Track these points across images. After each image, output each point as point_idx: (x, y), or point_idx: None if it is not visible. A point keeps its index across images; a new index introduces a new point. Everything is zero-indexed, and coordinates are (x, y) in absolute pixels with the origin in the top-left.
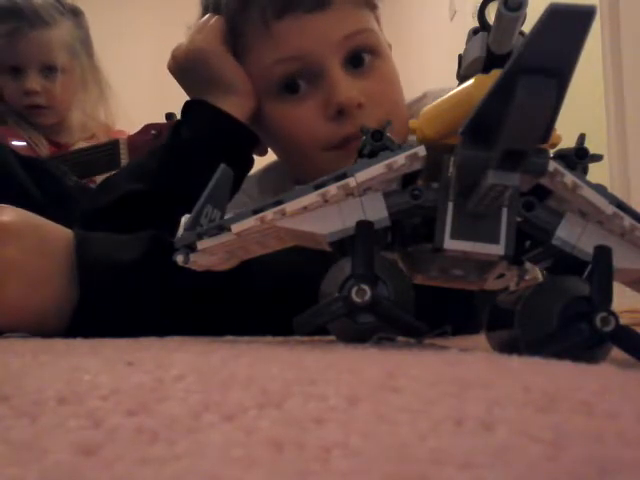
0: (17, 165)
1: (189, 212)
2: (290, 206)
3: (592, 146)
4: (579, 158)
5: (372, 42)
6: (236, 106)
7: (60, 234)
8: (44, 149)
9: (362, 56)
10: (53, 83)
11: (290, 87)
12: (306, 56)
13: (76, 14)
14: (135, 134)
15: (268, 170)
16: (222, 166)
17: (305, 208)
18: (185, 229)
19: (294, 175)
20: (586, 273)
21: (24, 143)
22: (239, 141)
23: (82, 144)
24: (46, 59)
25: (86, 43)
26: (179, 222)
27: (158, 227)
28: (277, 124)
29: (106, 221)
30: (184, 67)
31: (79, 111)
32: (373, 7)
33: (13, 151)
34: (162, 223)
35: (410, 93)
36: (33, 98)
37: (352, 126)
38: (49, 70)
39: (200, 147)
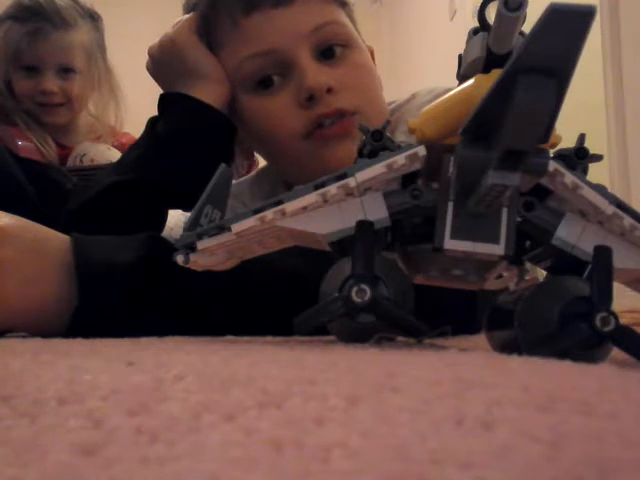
0: (15, 166)
1: (171, 203)
2: (290, 206)
3: (592, 146)
4: (579, 158)
5: (342, 34)
6: (210, 93)
7: (56, 237)
8: (51, 151)
9: (333, 48)
10: (69, 83)
11: (264, 82)
12: (276, 50)
13: (94, 18)
14: None
15: (260, 175)
16: (222, 166)
17: (305, 208)
18: (185, 229)
19: (278, 170)
20: (586, 273)
21: (31, 144)
22: (216, 128)
23: (87, 145)
24: (64, 61)
25: (102, 46)
26: (163, 214)
27: (142, 218)
28: (254, 118)
29: (89, 215)
30: (158, 61)
31: (88, 113)
32: (342, 4)
33: (11, 152)
34: (145, 213)
35: (410, 93)
36: (50, 97)
37: (324, 107)
38: (65, 71)
39: (176, 136)
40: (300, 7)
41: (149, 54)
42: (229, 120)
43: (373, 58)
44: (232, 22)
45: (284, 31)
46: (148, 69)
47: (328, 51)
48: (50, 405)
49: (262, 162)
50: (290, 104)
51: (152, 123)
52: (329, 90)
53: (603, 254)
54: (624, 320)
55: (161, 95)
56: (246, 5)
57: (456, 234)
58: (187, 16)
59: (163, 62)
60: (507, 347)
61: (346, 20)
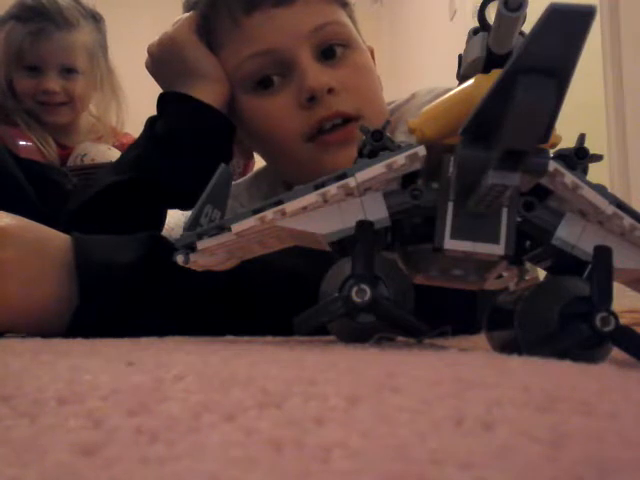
0: (15, 166)
1: (170, 203)
2: (290, 206)
3: (592, 146)
4: (579, 158)
5: (342, 34)
6: (209, 92)
7: (57, 237)
8: (52, 151)
9: (333, 48)
10: (72, 83)
11: (264, 82)
12: (277, 50)
13: (97, 19)
14: None
15: (258, 177)
16: (222, 166)
17: (305, 208)
18: (185, 229)
19: (277, 171)
20: (586, 273)
21: (32, 144)
22: (214, 128)
23: (88, 145)
24: (67, 61)
25: (104, 47)
26: (163, 213)
27: (141, 218)
28: (253, 118)
29: (88, 215)
30: (158, 59)
31: (89, 114)
32: (343, 4)
33: (10, 152)
34: (145, 213)
35: (410, 93)
36: (52, 96)
37: (325, 110)
38: (68, 72)
39: (175, 136)
40: (301, 7)
41: (148, 52)
42: (228, 120)
43: (373, 58)
44: (232, 21)
45: (285, 31)
46: (147, 67)
47: (329, 51)
48: (50, 405)
49: (260, 162)
50: (290, 104)
51: (151, 123)
52: (330, 90)
53: (603, 254)
54: (624, 320)
55: (160, 94)
56: (247, 4)
57: (456, 234)
58: (187, 15)
59: (162, 61)
60: (507, 347)
61: (347, 20)
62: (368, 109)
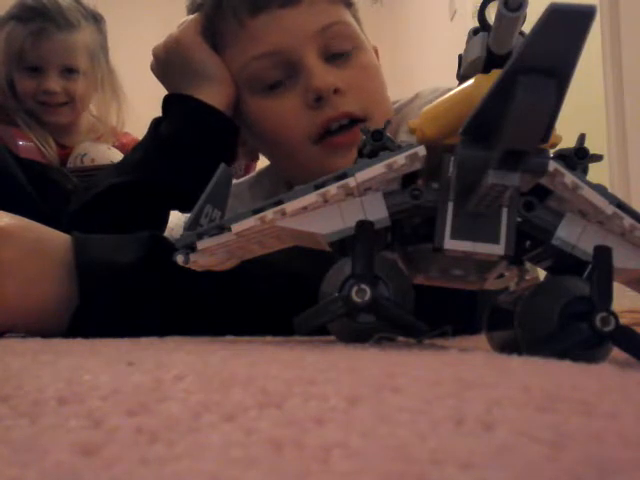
0: (15, 166)
1: (172, 204)
2: (290, 206)
3: (592, 146)
4: (579, 158)
5: (348, 34)
6: (215, 94)
7: (57, 237)
8: (52, 151)
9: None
10: (72, 83)
11: (270, 84)
12: (283, 51)
13: (97, 19)
14: None
15: (260, 176)
16: (222, 166)
17: (305, 208)
18: (185, 229)
19: (283, 173)
20: (586, 273)
21: (32, 144)
22: (218, 130)
23: (88, 144)
24: (68, 61)
25: (104, 47)
26: (164, 215)
27: (142, 220)
28: (260, 120)
29: (91, 216)
30: (163, 62)
31: (89, 114)
32: (348, 4)
33: (11, 152)
34: (146, 215)
35: (410, 93)
36: (52, 97)
37: (331, 110)
38: (69, 72)
39: (180, 138)
40: (307, 7)
41: (154, 55)
42: (232, 122)
43: (377, 57)
44: (238, 23)
45: (291, 31)
46: (153, 70)
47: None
48: (50, 405)
49: (261, 163)
50: (297, 105)
51: (155, 124)
52: (336, 91)
53: (603, 254)
54: (624, 320)
55: (165, 96)
56: (252, 6)
57: (456, 234)
58: (192, 17)
59: (168, 63)
60: (507, 347)
61: (352, 20)
62: (375, 109)
